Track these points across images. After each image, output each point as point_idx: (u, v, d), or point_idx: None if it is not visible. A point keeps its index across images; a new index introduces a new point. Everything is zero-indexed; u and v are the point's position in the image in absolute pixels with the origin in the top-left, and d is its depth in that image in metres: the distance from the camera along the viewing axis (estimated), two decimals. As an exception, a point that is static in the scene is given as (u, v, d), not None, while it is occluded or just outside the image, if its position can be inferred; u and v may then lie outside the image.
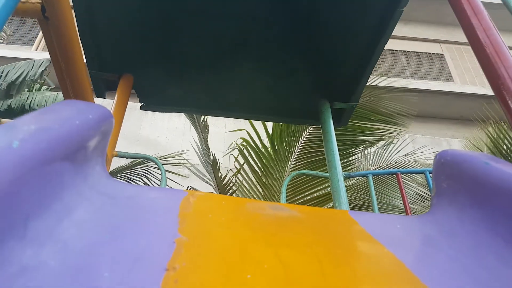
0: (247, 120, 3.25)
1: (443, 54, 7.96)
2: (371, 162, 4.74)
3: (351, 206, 3.84)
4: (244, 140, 3.40)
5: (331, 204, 2.93)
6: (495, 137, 4.09)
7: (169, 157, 4.10)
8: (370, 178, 1.74)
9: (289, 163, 3.50)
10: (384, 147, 4.92)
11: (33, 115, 0.37)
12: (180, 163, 4.00)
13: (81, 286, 0.27)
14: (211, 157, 3.44)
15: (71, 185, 0.37)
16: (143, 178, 4.02)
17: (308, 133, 3.63)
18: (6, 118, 1.99)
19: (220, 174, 3.43)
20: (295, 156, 3.52)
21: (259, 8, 1.88)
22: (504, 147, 4.04)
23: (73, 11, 1.11)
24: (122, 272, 0.29)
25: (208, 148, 3.62)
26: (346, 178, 1.65)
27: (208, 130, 3.79)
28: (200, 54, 1.96)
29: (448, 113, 7.01)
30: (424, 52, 7.92)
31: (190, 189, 3.62)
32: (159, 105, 2.02)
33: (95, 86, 1.86)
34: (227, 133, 4.24)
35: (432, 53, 7.95)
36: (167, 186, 3.12)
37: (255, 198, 3.44)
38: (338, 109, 1.96)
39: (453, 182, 0.50)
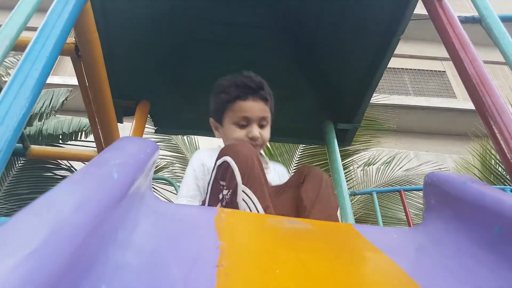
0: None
1: (444, 71, 8.10)
2: (373, 179, 4.82)
3: (355, 218, 3.91)
4: None
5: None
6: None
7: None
8: (375, 195, 1.83)
9: (294, 161, 3.62)
10: (386, 164, 5.01)
11: (111, 152, 0.48)
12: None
13: (160, 278, 0.37)
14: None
15: (135, 205, 0.48)
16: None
17: (301, 149, 3.75)
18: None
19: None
20: (293, 170, 3.63)
21: (265, 37, 2.03)
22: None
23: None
24: (186, 268, 0.39)
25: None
26: (351, 195, 1.74)
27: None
28: (211, 78, 2.09)
29: (452, 129, 7.10)
30: (426, 70, 8.07)
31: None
32: (172, 128, 2.14)
33: (116, 112, 1.98)
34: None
35: (434, 71, 8.10)
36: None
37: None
38: (341, 129, 2.07)
39: (439, 199, 0.61)
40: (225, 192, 1.08)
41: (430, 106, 6.97)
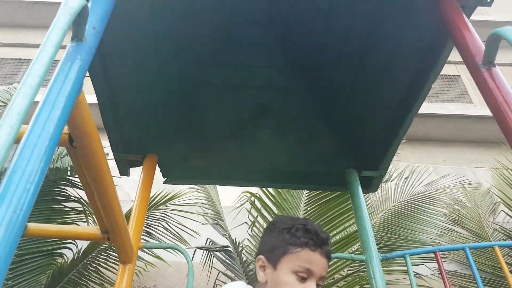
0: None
1: (459, 75, 7.84)
2: (392, 197, 4.63)
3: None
4: (251, 194, 3.36)
5: None
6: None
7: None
8: (408, 259, 1.66)
9: (301, 209, 3.43)
10: (405, 180, 4.80)
11: None
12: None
13: None
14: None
15: None
16: (161, 222, 3.99)
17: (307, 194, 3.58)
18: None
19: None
20: (305, 202, 3.45)
21: (278, 78, 1.86)
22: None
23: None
24: None
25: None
26: (383, 260, 1.57)
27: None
28: (221, 124, 1.95)
29: (469, 136, 6.85)
30: (440, 74, 7.80)
31: (209, 241, 3.54)
32: (181, 178, 1.99)
33: (119, 166, 1.84)
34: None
35: (448, 75, 7.84)
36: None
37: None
38: (366, 177, 1.89)
39: None
40: None
41: (446, 114, 6.73)
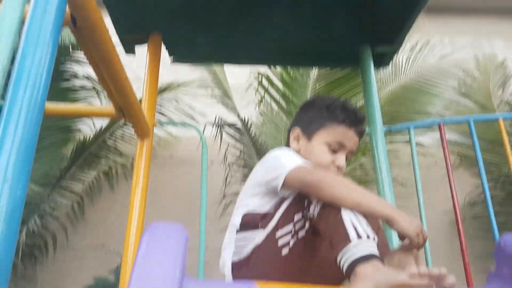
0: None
1: None
2: (402, 70, 4.54)
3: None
4: (259, 73, 3.31)
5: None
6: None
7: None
8: (412, 130, 1.71)
9: (309, 87, 3.42)
10: (418, 52, 4.65)
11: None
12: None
13: None
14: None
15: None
16: (172, 102, 4.07)
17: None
18: None
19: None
20: (313, 80, 3.43)
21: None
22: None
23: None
24: None
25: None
26: (387, 132, 1.63)
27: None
28: (229, 1, 1.82)
29: (490, 4, 6.39)
30: None
31: (218, 117, 3.64)
32: (188, 57, 1.96)
33: (123, 45, 1.81)
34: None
35: None
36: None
37: (279, 127, 3.47)
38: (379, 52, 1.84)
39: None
40: (313, 204, 1.02)
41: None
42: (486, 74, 4.74)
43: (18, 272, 3.28)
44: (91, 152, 3.80)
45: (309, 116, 1.30)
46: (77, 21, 0.95)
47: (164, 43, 1.84)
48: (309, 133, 1.27)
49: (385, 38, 1.77)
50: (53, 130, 3.63)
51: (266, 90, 3.37)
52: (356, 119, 1.23)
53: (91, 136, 3.77)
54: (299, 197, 1.07)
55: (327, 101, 1.30)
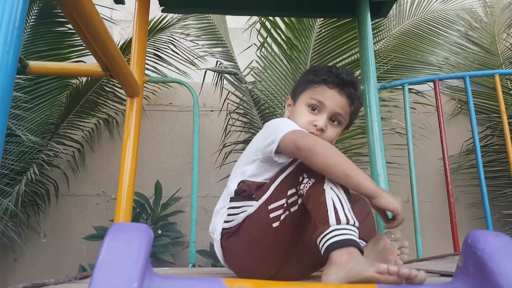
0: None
1: None
2: (406, 14, 4.36)
3: (384, 67, 3.74)
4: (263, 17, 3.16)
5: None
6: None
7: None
8: (406, 87, 1.68)
9: (314, 32, 3.30)
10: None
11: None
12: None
13: None
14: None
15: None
16: (169, 45, 3.95)
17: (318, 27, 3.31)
18: None
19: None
20: (319, 24, 3.29)
21: None
22: None
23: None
24: None
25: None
26: (381, 89, 1.60)
27: None
28: None
29: None
30: None
31: (219, 63, 3.56)
32: (180, 6, 1.88)
33: (113, -8, 1.73)
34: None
35: None
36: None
37: (280, 72, 3.39)
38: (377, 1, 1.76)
39: (479, 274, 0.54)
40: (305, 181, 1.01)
41: None
42: (492, 16, 4.55)
43: (21, 221, 3.38)
44: (88, 98, 3.77)
45: (297, 83, 1.31)
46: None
47: (153, -9, 1.76)
48: (294, 98, 1.28)
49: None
50: (50, 76, 3.58)
51: (269, 32, 3.24)
52: (339, 79, 1.20)
53: (83, 81, 3.71)
54: (294, 172, 1.07)
55: (316, 67, 1.30)
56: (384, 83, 1.66)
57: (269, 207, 1.07)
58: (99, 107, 3.84)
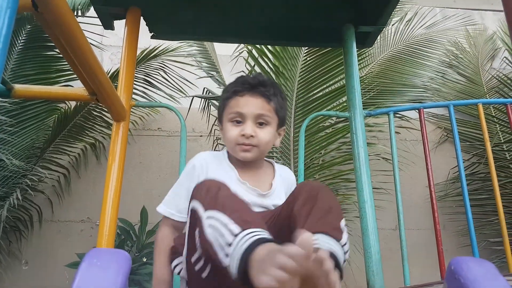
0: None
1: None
2: (390, 42, 4.48)
3: (369, 94, 3.79)
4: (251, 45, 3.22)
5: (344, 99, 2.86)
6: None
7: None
8: (392, 115, 1.71)
9: (299, 60, 3.36)
10: (407, 22, 4.57)
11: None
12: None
13: None
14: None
15: None
16: (160, 72, 3.98)
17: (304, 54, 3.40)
18: None
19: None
20: (304, 53, 3.36)
21: None
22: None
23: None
24: None
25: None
26: (366, 117, 1.62)
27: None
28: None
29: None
30: None
31: (206, 90, 3.58)
32: (169, 33, 1.91)
33: (101, 19, 1.75)
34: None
35: None
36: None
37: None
38: (363, 32, 1.81)
39: None
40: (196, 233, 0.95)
41: None
42: (475, 46, 4.71)
43: (1, 248, 3.28)
44: (75, 123, 3.74)
45: (218, 108, 1.37)
46: (38, 5, 0.91)
47: (144, 18, 1.78)
48: (220, 121, 1.33)
49: (369, 17, 1.73)
50: (37, 100, 3.55)
51: (256, 60, 3.29)
52: (247, 85, 1.24)
53: (72, 106, 3.69)
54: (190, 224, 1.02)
55: (227, 85, 1.35)
56: (370, 111, 1.69)
57: (191, 260, 1.01)
58: (86, 131, 3.80)
